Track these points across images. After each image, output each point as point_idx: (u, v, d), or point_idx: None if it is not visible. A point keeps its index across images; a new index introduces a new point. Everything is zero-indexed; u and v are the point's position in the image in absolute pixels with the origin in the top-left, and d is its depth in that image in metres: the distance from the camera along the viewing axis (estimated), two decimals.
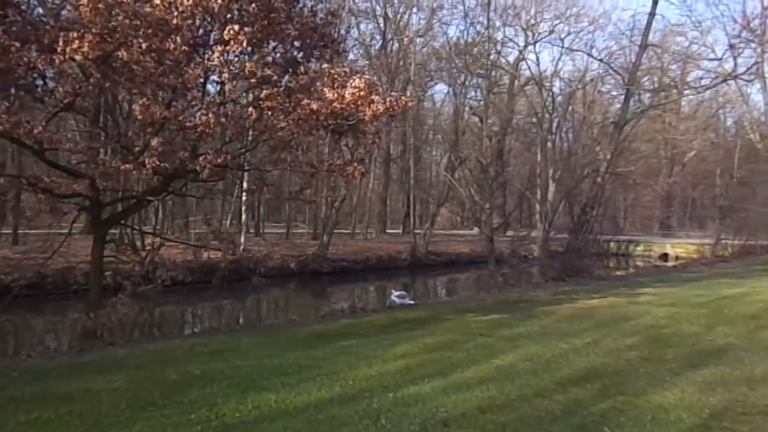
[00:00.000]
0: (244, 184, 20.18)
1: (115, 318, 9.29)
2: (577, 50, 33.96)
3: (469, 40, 39.89)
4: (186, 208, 23.22)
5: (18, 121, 6.69)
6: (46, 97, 8.26)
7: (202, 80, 8.02)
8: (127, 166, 7.62)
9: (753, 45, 25.00)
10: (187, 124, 7.61)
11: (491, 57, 37.92)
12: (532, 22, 38.10)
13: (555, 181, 34.25)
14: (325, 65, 9.14)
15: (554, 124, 33.87)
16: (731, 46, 24.21)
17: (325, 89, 8.70)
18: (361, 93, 8.42)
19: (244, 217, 23.59)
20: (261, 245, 25.45)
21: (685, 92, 26.92)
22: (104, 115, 10.42)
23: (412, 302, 13.20)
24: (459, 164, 23.42)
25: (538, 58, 49.15)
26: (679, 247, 38.51)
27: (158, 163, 7.55)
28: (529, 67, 37.72)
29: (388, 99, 8.47)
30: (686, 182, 53.96)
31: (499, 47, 38.44)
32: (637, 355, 7.90)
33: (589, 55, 30.97)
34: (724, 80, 25.91)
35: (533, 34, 35.82)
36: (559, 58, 39.34)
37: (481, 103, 40.32)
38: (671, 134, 42.42)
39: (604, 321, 10.46)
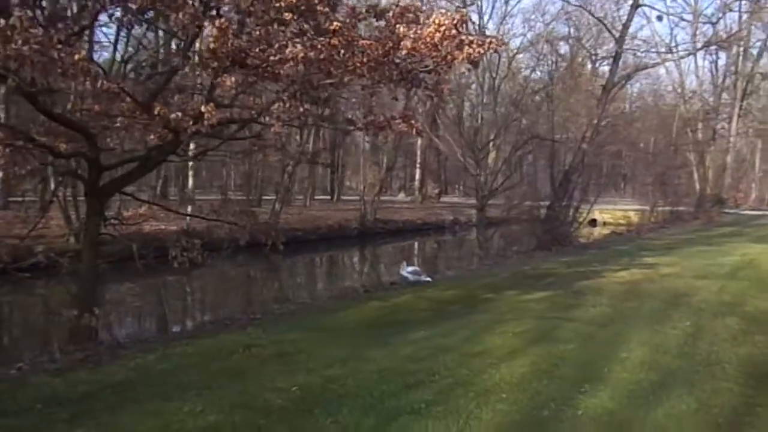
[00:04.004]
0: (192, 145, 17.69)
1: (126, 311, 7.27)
2: None
3: None
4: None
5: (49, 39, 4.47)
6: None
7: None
8: (178, 115, 5.61)
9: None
10: (271, 58, 5.66)
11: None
12: None
13: (495, 146, 33.74)
14: None
15: (496, 87, 33.14)
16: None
17: (398, 26, 6.99)
18: (451, 32, 6.83)
19: (191, 183, 20.99)
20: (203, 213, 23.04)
21: (669, 56, 26.91)
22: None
23: (428, 279, 11.86)
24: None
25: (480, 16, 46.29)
26: (607, 213, 39.47)
27: (212, 112, 5.60)
28: (477, 27, 36.45)
29: (487, 40, 6.94)
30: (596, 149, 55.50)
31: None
32: (766, 340, 7.03)
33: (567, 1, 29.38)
34: (705, 46, 26.32)
35: None
36: (504, 18, 37.57)
37: None
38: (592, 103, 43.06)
39: (667, 298, 9.59)
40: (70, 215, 16.31)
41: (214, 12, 6.00)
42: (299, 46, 5.67)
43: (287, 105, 5.96)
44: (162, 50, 12.85)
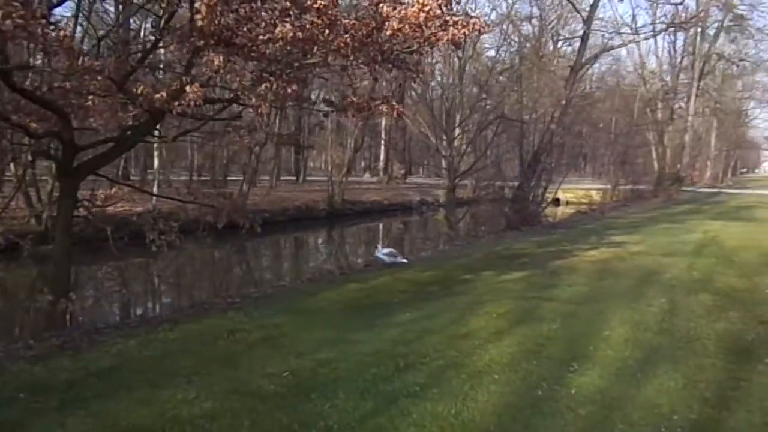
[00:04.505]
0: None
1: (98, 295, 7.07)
2: None
3: None
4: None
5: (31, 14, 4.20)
6: None
7: None
8: (162, 94, 5.41)
9: None
10: (260, 38, 5.48)
11: None
12: None
13: (461, 126, 33.75)
14: None
15: (462, 67, 33.08)
16: None
17: (381, 6, 6.88)
18: (436, 12, 6.74)
19: (156, 163, 20.48)
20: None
21: (634, 37, 27.21)
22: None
23: (404, 260, 11.87)
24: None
25: None
26: (569, 192, 40.10)
27: (197, 92, 5.42)
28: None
29: (471, 21, 6.87)
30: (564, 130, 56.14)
31: None
32: (740, 316, 7.25)
33: None
34: (668, 27, 26.81)
35: None
36: None
37: None
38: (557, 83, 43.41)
39: (639, 276, 9.83)
40: (31, 196, 15.76)
41: None
42: (288, 25, 5.52)
43: (274, 85, 5.83)
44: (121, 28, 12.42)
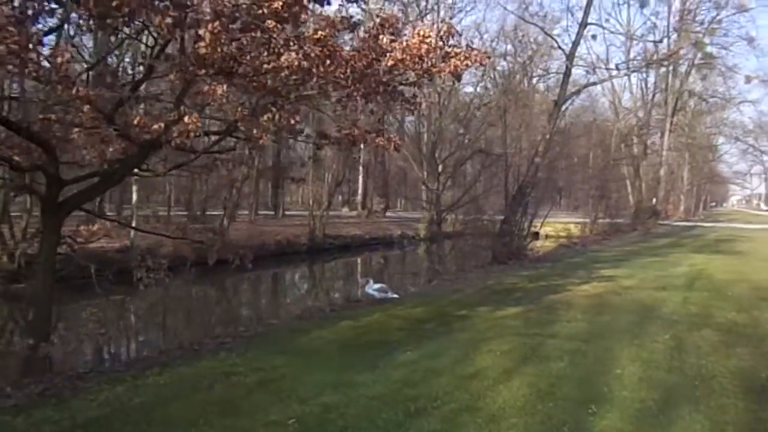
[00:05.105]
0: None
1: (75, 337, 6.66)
2: None
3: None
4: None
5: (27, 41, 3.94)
6: None
7: None
8: (160, 125, 5.13)
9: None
10: (265, 66, 5.25)
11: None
12: None
13: (442, 161, 33.88)
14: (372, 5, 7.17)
15: (442, 102, 33.35)
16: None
17: (381, 36, 6.75)
18: (437, 44, 6.64)
19: (135, 197, 20.01)
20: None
21: (615, 73, 27.75)
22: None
23: (395, 296, 11.59)
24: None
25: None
26: (548, 225, 40.26)
27: (197, 123, 5.17)
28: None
29: (473, 53, 6.77)
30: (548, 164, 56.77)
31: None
32: (749, 352, 7.10)
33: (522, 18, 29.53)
34: (647, 65, 27.37)
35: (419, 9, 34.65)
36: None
37: None
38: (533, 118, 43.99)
39: (637, 311, 9.70)
40: (4, 233, 15.16)
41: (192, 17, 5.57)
42: (294, 54, 5.32)
43: (276, 116, 5.60)
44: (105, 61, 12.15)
